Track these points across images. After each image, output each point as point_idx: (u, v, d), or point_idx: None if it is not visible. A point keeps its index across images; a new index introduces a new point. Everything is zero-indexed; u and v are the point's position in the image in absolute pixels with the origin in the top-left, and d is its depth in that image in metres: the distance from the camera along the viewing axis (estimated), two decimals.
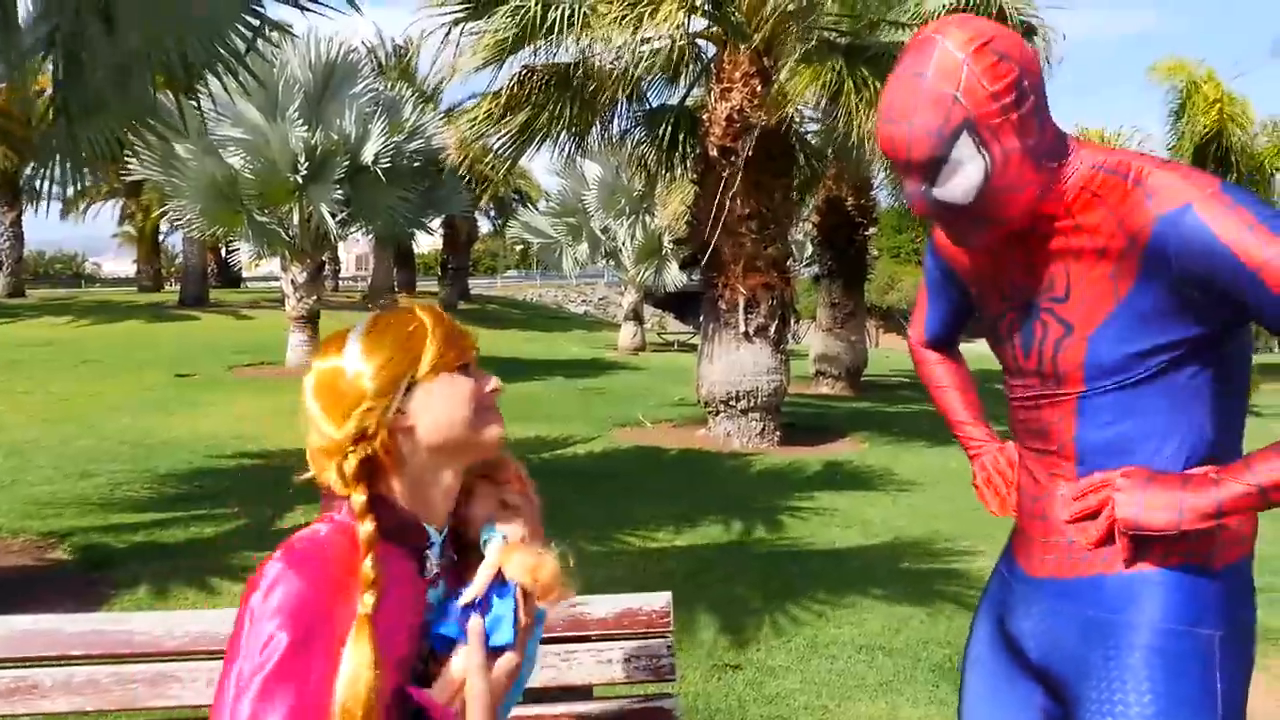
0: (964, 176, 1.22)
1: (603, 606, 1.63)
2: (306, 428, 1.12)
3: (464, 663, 1.11)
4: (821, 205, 15.19)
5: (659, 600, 1.67)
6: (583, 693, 1.61)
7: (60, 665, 1.51)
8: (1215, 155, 17.13)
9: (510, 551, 1.15)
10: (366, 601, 1.05)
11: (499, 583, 1.14)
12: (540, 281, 38.48)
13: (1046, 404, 1.34)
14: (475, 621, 1.12)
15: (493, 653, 1.12)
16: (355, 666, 1.02)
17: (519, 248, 39.68)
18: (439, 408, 1.11)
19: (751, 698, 3.12)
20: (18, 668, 1.50)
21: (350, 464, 1.08)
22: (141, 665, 1.52)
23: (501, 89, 9.50)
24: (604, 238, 21.75)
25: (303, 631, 1.02)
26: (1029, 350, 1.35)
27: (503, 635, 1.12)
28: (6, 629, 1.51)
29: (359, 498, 1.08)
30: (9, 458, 7.29)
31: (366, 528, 1.07)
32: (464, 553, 1.20)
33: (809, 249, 19.55)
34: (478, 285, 35.44)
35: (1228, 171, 17.12)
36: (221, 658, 1.54)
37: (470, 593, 1.13)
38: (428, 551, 1.14)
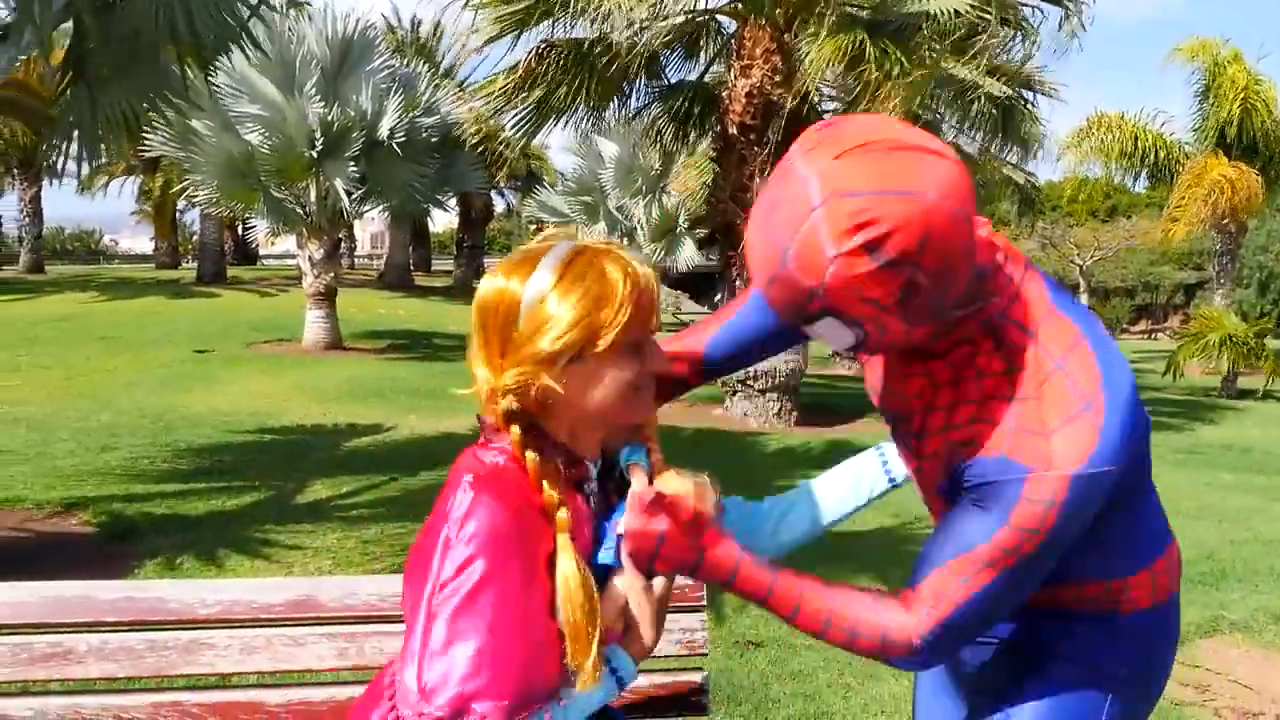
0: (832, 339, 1.06)
1: None
2: (470, 336, 1.13)
3: (624, 586, 1.13)
4: None
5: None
6: None
7: (94, 631, 1.50)
8: (1241, 140, 16.87)
9: (664, 476, 1.15)
10: (561, 519, 1.07)
11: None
12: None
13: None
14: (627, 546, 1.13)
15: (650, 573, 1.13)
16: (568, 580, 1.04)
17: (534, 226, 39.60)
18: (597, 388, 1.08)
19: (774, 674, 3.11)
20: (52, 633, 1.50)
21: (502, 406, 1.08)
22: (175, 632, 1.51)
23: (518, 64, 9.43)
24: (620, 217, 21.68)
25: (500, 557, 1.02)
26: (909, 447, 1.28)
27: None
28: (39, 595, 1.51)
29: (515, 433, 1.09)
30: (31, 431, 7.35)
31: (533, 457, 1.08)
32: (604, 476, 1.20)
33: None
34: (492, 264, 35.43)
35: (1253, 157, 16.87)
36: (253, 625, 1.55)
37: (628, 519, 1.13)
38: (587, 485, 1.15)
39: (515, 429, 1.08)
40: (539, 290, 1.05)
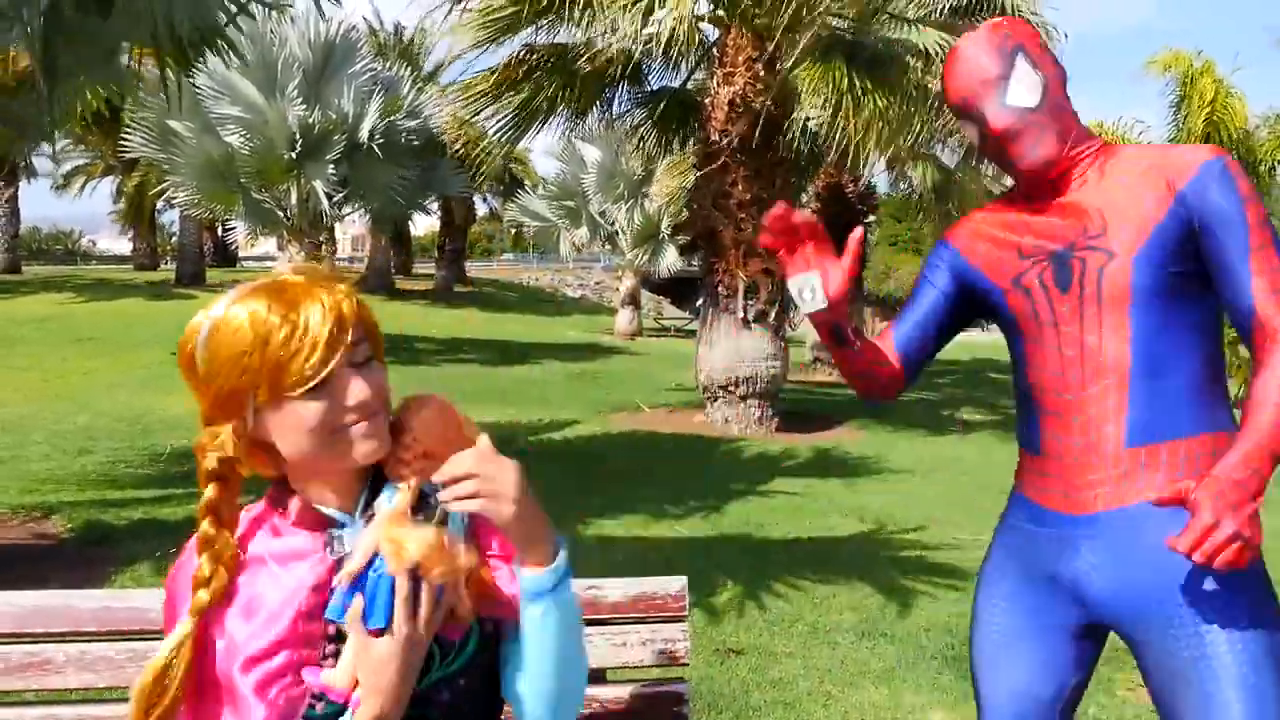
0: (1030, 82, 1.46)
1: (617, 590, 1.62)
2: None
3: (353, 648, 1.05)
4: (822, 192, 15.18)
5: (674, 584, 1.66)
6: (595, 676, 1.60)
7: (73, 641, 1.50)
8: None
9: (386, 524, 1.06)
10: (200, 580, 1.09)
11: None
12: (537, 265, 38.40)
13: (1092, 328, 1.44)
14: (355, 603, 1.04)
15: (376, 633, 1.03)
16: (164, 645, 1.08)
17: (515, 231, 39.56)
18: (286, 435, 1.05)
19: (755, 682, 3.12)
20: (29, 642, 1.49)
21: (203, 465, 1.11)
22: (155, 642, 1.50)
23: (499, 66, 9.43)
24: (602, 221, 21.71)
25: (166, 610, 1.14)
26: (1067, 285, 1.47)
27: (376, 618, 1.02)
28: (15, 604, 1.50)
29: (207, 493, 1.11)
30: (5, 434, 7.27)
31: (204, 529, 1.11)
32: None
33: None
34: (474, 268, 35.35)
35: None
36: None
37: (344, 572, 1.05)
38: (337, 532, 1.10)
39: (214, 486, 1.10)
40: (206, 327, 1.06)
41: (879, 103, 7.92)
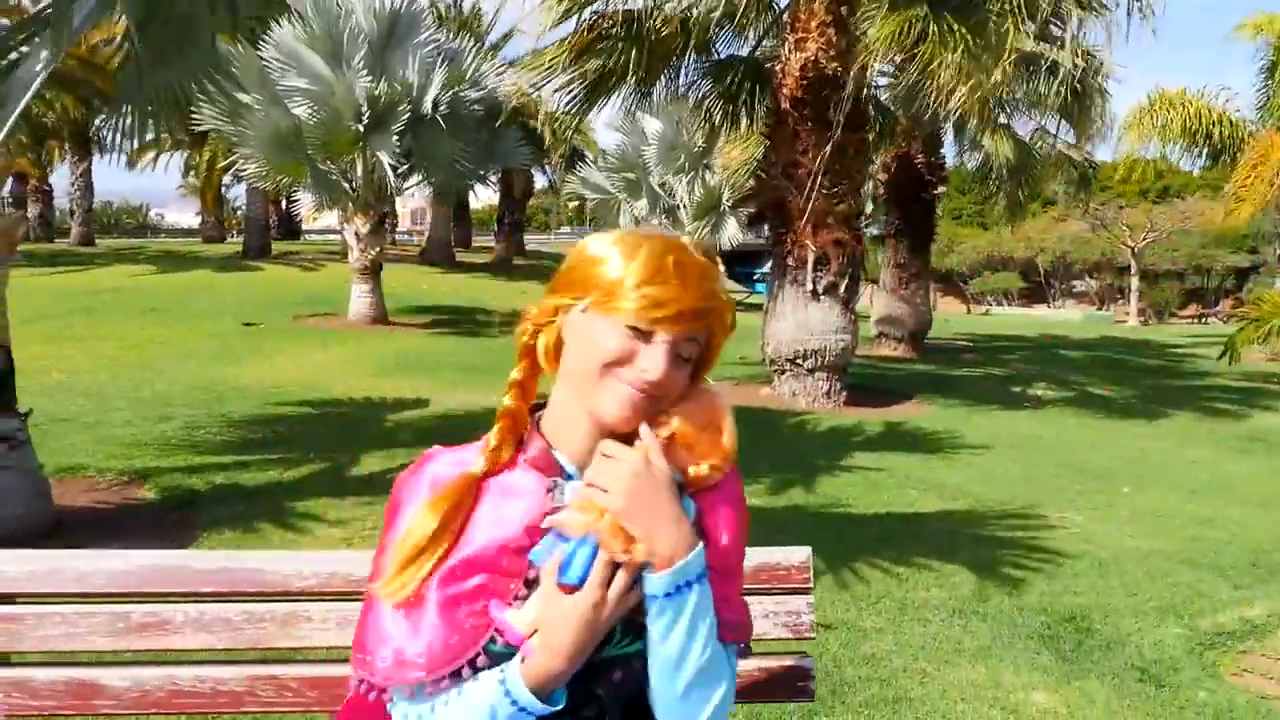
0: None
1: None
2: None
3: (541, 599, 1.05)
4: (890, 162, 14.82)
5: (798, 555, 1.59)
6: None
7: (191, 601, 1.48)
8: None
9: (583, 495, 1.07)
10: (490, 447, 1.12)
11: None
12: None
13: None
14: (555, 553, 1.06)
15: (564, 587, 1.03)
16: (410, 527, 1.09)
17: (573, 204, 39.52)
18: (576, 344, 1.09)
19: (847, 658, 3.04)
20: (149, 602, 1.47)
21: (523, 338, 1.14)
22: (272, 604, 1.48)
23: (567, 38, 9.33)
24: (663, 194, 21.53)
25: (388, 515, 1.15)
26: None
27: (572, 572, 1.03)
28: (136, 563, 1.48)
29: (518, 371, 1.14)
30: (88, 399, 7.45)
31: (505, 402, 1.13)
32: None
33: (869, 207, 19.20)
34: (532, 241, 35.44)
35: None
36: (352, 598, 1.51)
37: (556, 518, 1.07)
38: (563, 481, 1.09)
39: (522, 365, 1.14)
40: (590, 240, 1.11)
41: (967, 42, 7.60)
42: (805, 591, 1.59)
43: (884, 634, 3.24)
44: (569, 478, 1.10)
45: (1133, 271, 35.14)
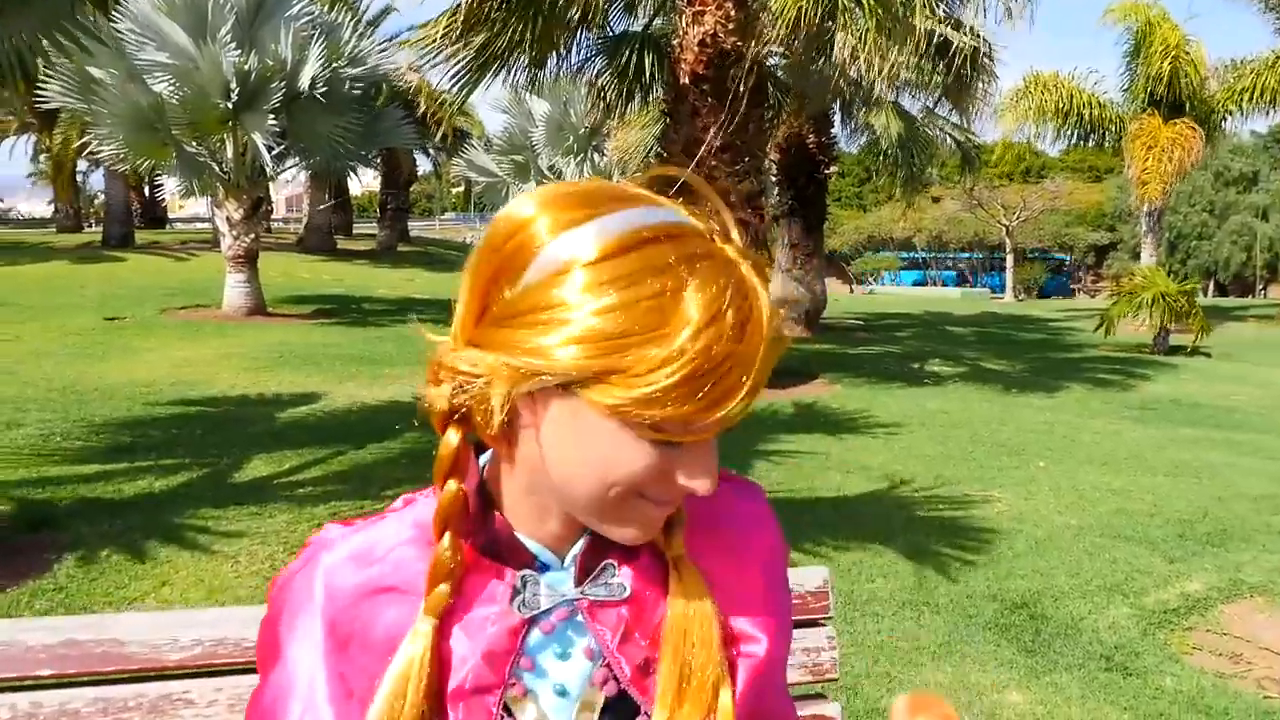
0: None
1: None
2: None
3: None
4: (782, 142, 14.80)
5: (814, 578, 1.30)
6: None
7: (21, 689, 1.08)
8: (1168, 99, 17.13)
9: None
10: (435, 597, 0.70)
11: None
12: (480, 224, 37.58)
13: None
14: None
15: None
16: (395, 685, 0.68)
17: (457, 189, 38.56)
18: (572, 448, 0.65)
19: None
20: None
21: (433, 394, 0.68)
22: (139, 686, 1.10)
23: (460, 5, 8.83)
24: (551, 176, 21.09)
25: (265, 634, 0.75)
26: None
27: None
28: None
29: (447, 442, 0.69)
30: None
31: (450, 488, 0.69)
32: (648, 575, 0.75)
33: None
34: (416, 227, 34.38)
35: (1179, 115, 17.11)
36: (246, 668, 1.15)
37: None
38: (532, 575, 0.72)
39: (451, 435, 0.68)
40: (573, 252, 0.62)
41: (877, 16, 7.50)
42: (824, 622, 1.30)
43: (839, 634, 3.00)
44: (543, 568, 0.73)
45: (1007, 249, 36.57)
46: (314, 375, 8.48)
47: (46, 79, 12.25)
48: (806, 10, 7.60)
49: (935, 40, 10.34)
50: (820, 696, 1.30)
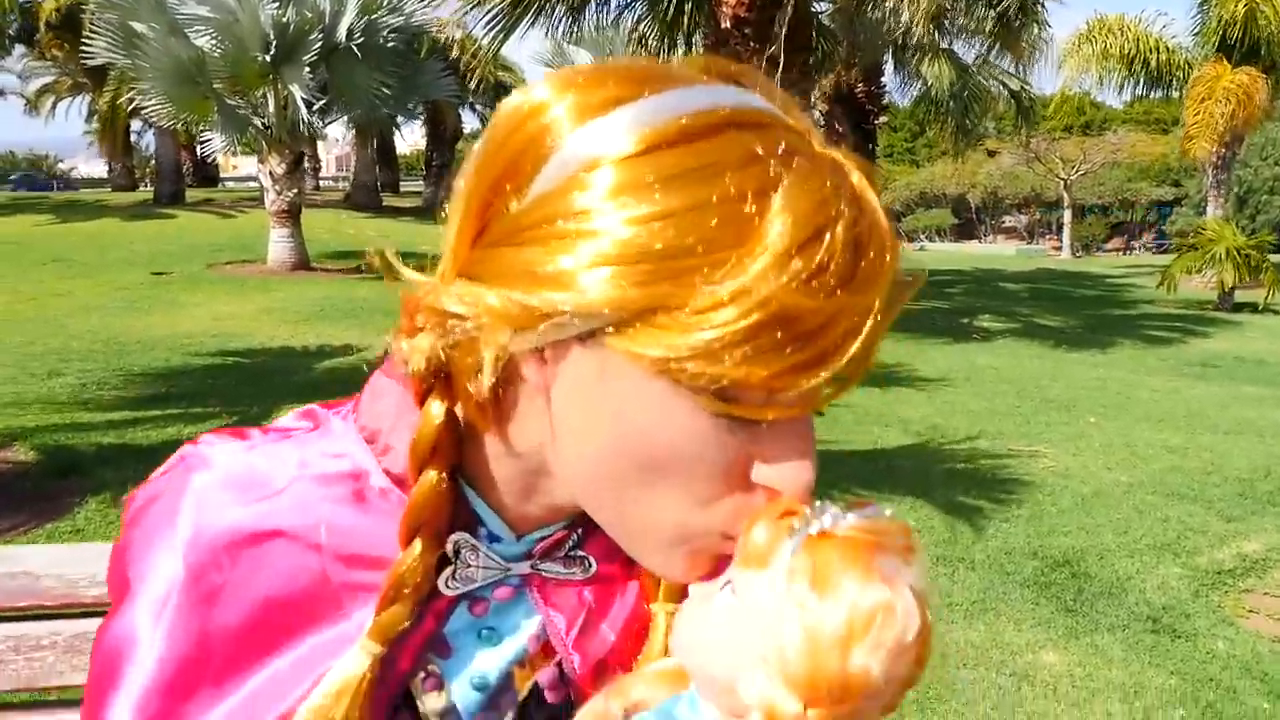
0: None
1: None
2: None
3: None
4: (829, 92, 14.39)
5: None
6: None
7: None
8: (1243, 43, 16.26)
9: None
10: (389, 619, 0.52)
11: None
12: None
13: None
14: None
15: None
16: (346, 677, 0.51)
17: None
18: (600, 429, 0.46)
19: None
20: None
21: (411, 347, 0.49)
22: (54, 623, 1.00)
23: None
24: None
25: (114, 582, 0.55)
26: None
27: None
28: None
29: (429, 416, 0.50)
30: None
31: (429, 478, 0.51)
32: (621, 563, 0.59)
33: None
34: None
35: (1255, 60, 16.27)
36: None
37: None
38: (469, 540, 0.54)
39: (433, 408, 0.50)
40: (606, 144, 0.43)
41: None
42: None
43: None
44: (493, 539, 0.55)
45: (1065, 204, 35.52)
46: (353, 329, 8.48)
47: (93, 34, 12.36)
48: None
49: None
50: None
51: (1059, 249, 35.06)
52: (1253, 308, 13.56)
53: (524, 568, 0.56)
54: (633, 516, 0.48)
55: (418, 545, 0.51)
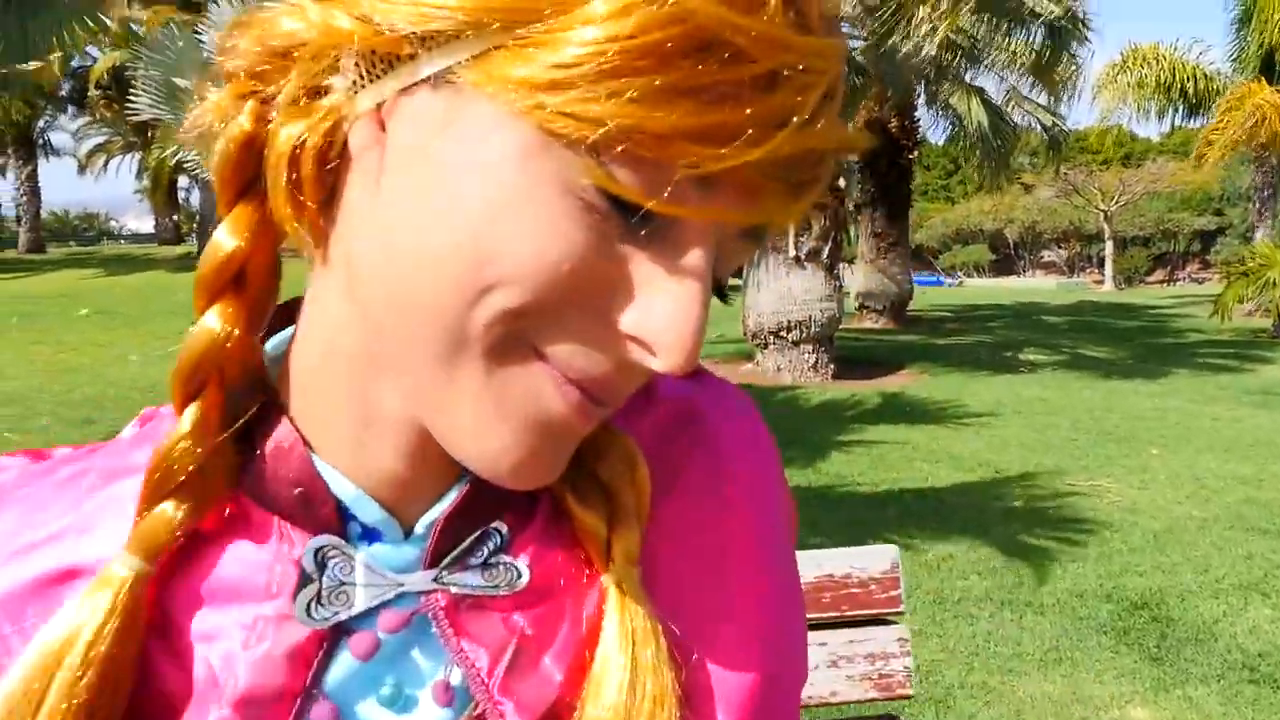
0: None
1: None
2: None
3: None
4: (861, 127, 14.29)
5: (879, 559, 0.99)
6: None
7: None
8: None
9: None
10: (155, 523, 0.37)
11: None
12: None
13: None
14: None
15: None
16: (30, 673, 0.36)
17: None
18: (435, 202, 0.32)
19: None
20: None
21: (225, 147, 0.37)
22: None
23: None
24: None
25: None
26: None
27: None
28: None
29: (208, 323, 0.38)
30: (7, 405, 6.75)
31: (191, 343, 0.39)
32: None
33: (842, 183, 18.71)
34: None
35: None
36: None
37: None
38: (335, 543, 0.39)
39: (240, 215, 0.37)
40: None
41: None
42: (894, 619, 0.99)
43: (926, 637, 2.65)
44: (370, 537, 0.40)
45: (1106, 235, 34.99)
46: None
47: (138, 92, 12.68)
48: None
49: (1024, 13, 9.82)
50: (890, 718, 0.99)
51: (1100, 282, 34.48)
52: None
53: (423, 581, 0.39)
54: (448, 355, 0.33)
55: (194, 409, 0.37)
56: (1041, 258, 44.89)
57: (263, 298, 0.38)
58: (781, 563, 0.47)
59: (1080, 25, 11.23)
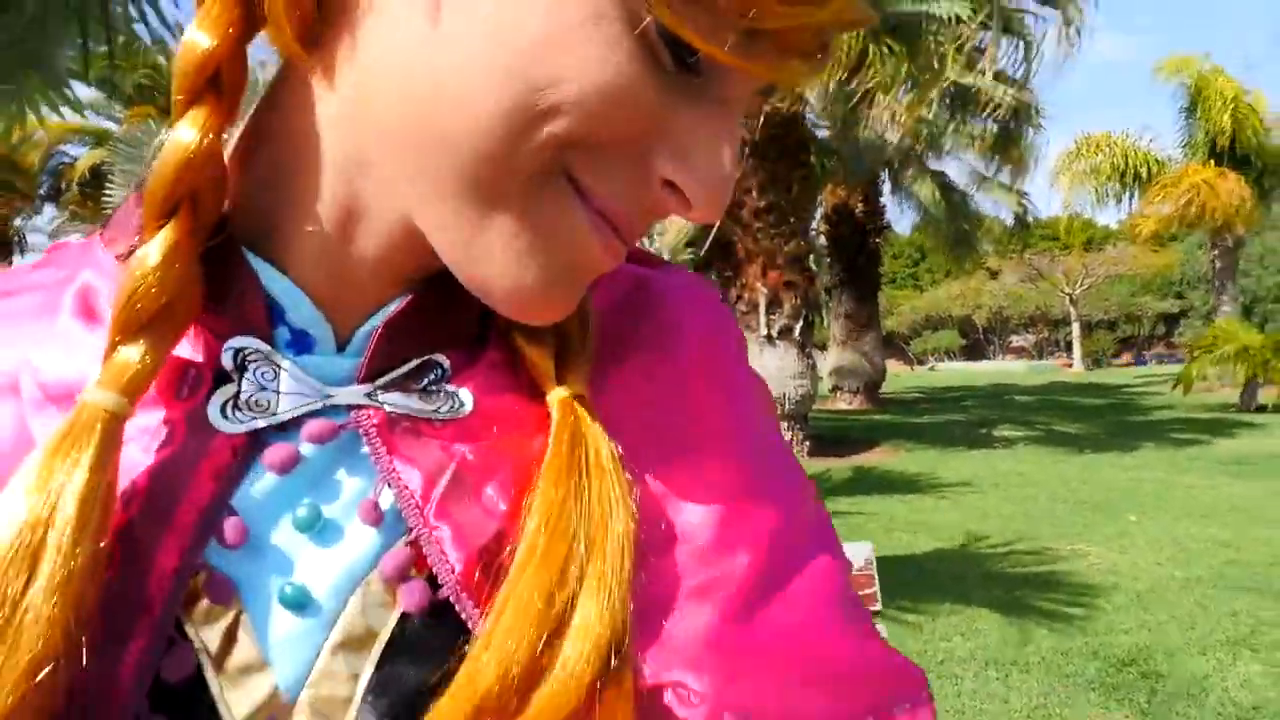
0: None
1: None
2: None
3: None
4: (830, 213, 14.59)
5: (855, 555, 0.93)
6: None
7: None
8: (1233, 152, 16.60)
9: None
10: (129, 364, 0.31)
11: None
12: None
13: None
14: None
15: None
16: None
17: None
18: (476, 26, 0.30)
19: None
20: None
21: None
22: None
23: None
24: None
25: None
26: None
27: None
28: None
29: (183, 138, 0.32)
30: None
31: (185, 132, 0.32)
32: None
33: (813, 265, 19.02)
34: None
35: (1246, 169, 16.56)
36: None
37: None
38: (250, 346, 0.34)
39: (184, 131, 0.32)
40: None
41: (900, 59, 7.36)
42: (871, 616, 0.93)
43: None
44: (302, 345, 0.35)
45: (1073, 318, 35.65)
46: None
47: (114, 185, 12.73)
48: (842, 54, 7.43)
49: (975, 94, 10.18)
50: None
51: (1069, 365, 34.99)
52: (1275, 408, 13.27)
53: (355, 395, 0.35)
54: (488, 178, 0.31)
55: (163, 236, 0.32)
56: (1010, 342, 45.60)
57: (234, 107, 0.33)
58: (755, 433, 0.41)
59: (1034, 112, 11.64)
